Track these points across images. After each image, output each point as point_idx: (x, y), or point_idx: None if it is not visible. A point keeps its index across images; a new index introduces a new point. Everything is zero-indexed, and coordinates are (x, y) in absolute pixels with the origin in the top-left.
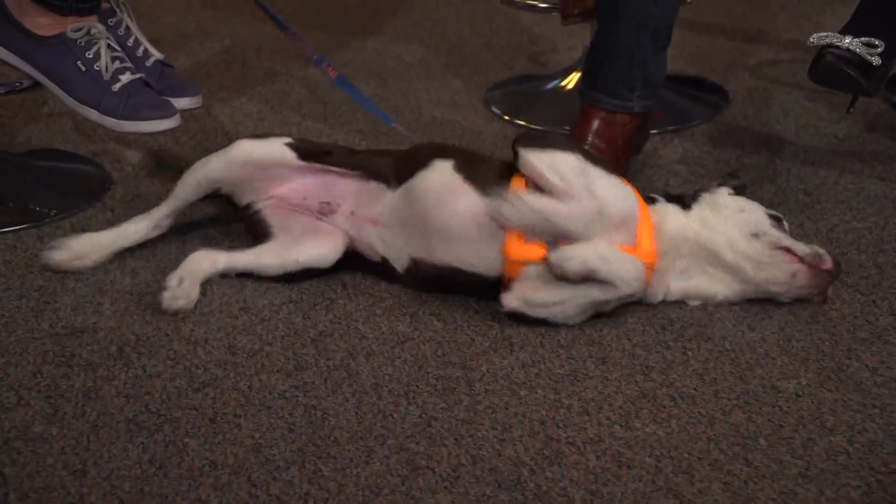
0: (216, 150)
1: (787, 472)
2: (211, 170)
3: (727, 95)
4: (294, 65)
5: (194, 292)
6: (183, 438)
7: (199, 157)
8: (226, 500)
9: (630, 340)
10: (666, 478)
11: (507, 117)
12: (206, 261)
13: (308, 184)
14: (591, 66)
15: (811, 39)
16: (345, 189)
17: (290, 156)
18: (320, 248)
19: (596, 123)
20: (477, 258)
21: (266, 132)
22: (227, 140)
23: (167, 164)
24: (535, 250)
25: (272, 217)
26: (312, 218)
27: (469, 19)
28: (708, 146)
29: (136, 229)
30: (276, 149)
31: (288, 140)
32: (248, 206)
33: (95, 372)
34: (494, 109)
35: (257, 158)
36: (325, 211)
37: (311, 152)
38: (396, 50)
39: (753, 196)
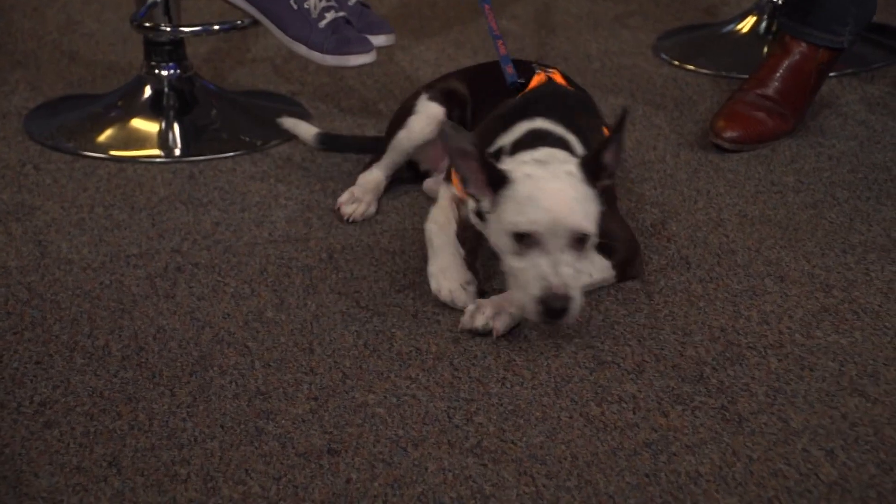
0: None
1: None
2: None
3: None
4: (466, 16)
5: (372, 207)
6: (391, 329)
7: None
8: (433, 380)
9: (809, 262)
10: (850, 379)
11: (676, 63)
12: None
13: None
14: None
15: None
16: None
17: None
18: None
19: (793, 58)
20: None
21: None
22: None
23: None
24: None
25: None
26: None
27: None
28: (891, 87)
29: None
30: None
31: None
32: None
33: (311, 273)
34: (664, 56)
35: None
36: None
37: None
38: (563, 3)
39: None
